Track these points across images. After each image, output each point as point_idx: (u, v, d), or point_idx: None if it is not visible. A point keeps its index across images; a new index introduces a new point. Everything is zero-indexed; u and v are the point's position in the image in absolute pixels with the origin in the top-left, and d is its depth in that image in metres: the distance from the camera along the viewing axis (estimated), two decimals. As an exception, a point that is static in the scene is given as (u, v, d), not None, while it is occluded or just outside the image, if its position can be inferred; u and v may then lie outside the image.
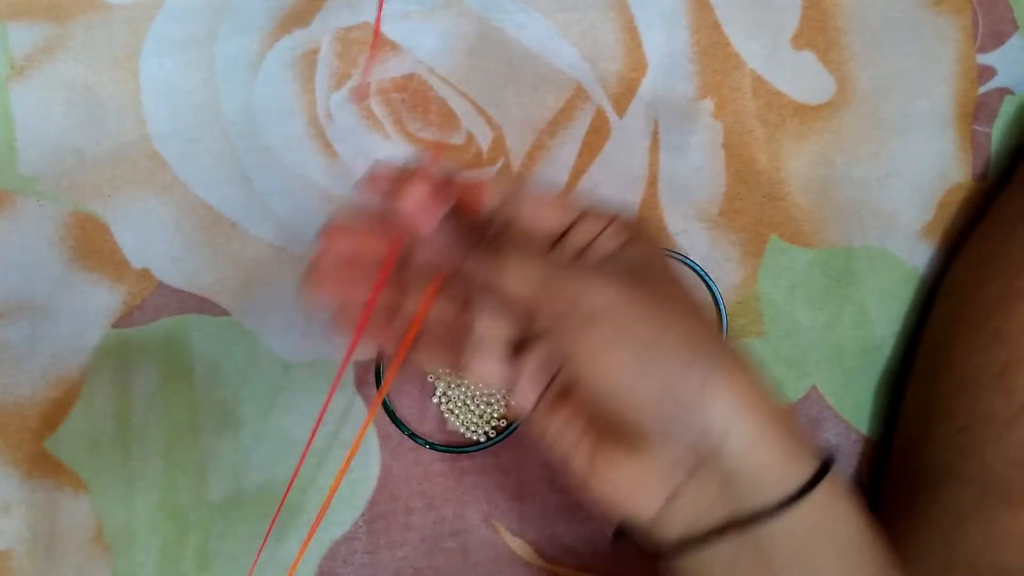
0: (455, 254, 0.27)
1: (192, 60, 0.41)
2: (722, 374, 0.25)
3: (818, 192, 0.42)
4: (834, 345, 0.42)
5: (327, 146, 0.41)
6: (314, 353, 0.40)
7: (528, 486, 0.41)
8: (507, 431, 0.40)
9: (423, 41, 0.41)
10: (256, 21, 0.41)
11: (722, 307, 0.41)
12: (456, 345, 0.30)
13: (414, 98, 0.41)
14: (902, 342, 0.42)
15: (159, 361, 0.40)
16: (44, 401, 0.39)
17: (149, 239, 0.40)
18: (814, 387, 0.41)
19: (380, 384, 0.40)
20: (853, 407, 0.42)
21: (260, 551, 0.39)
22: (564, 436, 0.28)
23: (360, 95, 0.30)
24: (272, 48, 0.41)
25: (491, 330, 0.29)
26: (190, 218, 0.40)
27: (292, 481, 0.39)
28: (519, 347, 0.30)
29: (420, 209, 0.27)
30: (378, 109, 0.41)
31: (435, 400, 0.40)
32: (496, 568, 0.40)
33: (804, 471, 0.26)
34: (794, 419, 0.27)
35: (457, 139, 0.41)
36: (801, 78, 0.42)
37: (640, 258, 0.27)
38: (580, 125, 0.42)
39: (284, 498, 0.39)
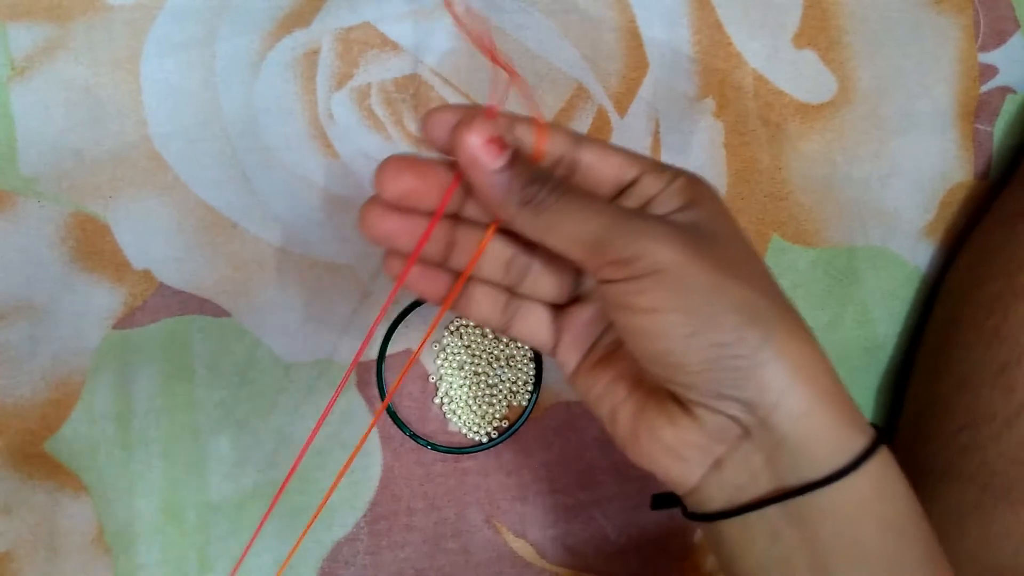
0: (512, 201, 0.26)
1: (193, 60, 0.41)
2: (777, 342, 0.24)
3: (820, 191, 0.42)
4: (836, 344, 0.42)
5: (328, 146, 0.41)
6: (314, 353, 0.40)
7: (530, 487, 0.41)
8: (509, 432, 0.40)
9: (425, 41, 0.41)
10: (256, 21, 0.41)
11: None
12: (498, 302, 0.29)
13: (415, 98, 0.41)
14: (904, 341, 0.42)
15: (160, 362, 0.40)
16: (44, 402, 0.39)
17: (150, 240, 0.40)
18: (816, 387, 0.41)
19: (381, 384, 0.39)
20: (855, 406, 0.42)
21: (245, 553, 0.38)
22: (607, 398, 0.28)
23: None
24: (273, 48, 0.41)
25: (538, 285, 0.29)
26: (191, 219, 0.40)
27: (287, 480, 0.39)
28: (564, 307, 0.29)
29: (484, 149, 0.25)
30: (379, 109, 0.41)
31: (437, 401, 0.40)
32: (498, 569, 0.40)
33: (855, 445, 0.25)
34: (846, 392, 0.26)
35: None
36: (802, 77, 0.42)
37: (703, 217, 0.26)
38: (581, 125, 0.42)
39: (276, 498, 0.39)
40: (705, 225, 0.26)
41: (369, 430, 0.40)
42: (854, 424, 0.25)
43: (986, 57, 0.43)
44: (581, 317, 0.29)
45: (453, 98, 0.41)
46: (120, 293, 0.40)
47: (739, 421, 0.25)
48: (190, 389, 0.40)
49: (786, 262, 0.42)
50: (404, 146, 0.41)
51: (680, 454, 0.26)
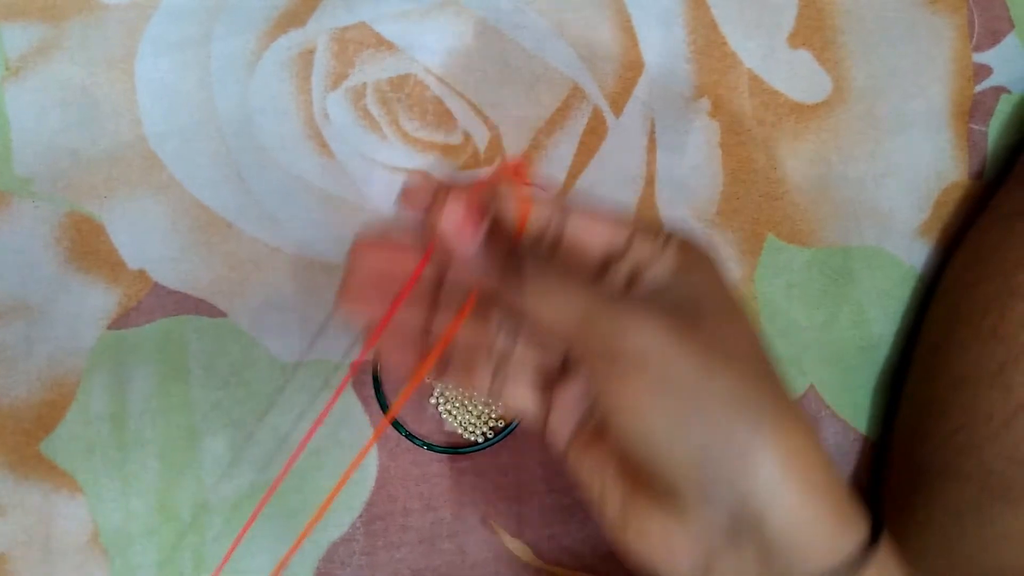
0: (493, 275, 0.25)
1: (188, 60, 0.41)
2: (767, 434, 0.23)
3: (815, 191, 0.42)
4: (832, 344, 0.42)
5: (323, 146, 0.41)
6: (310, 354, 0.40)
7: (526, 487, 0.40)
8: (505, 432, 0.39)
9: (420, 40, 0.41)
10: (252, 21, 0.41)
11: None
12: (488, 369, 0.28)
13: (411, 98, 0.41)
14: (900, 341, 0.42)
15: (155, 362, 0.40)
16: (39, 403, 0.39)
17: (145, 240, 0.40)
18: (811, 387, 0.41)
19: (378, 384, 0.39)
20: (851, 406, 0.42)
21: (229, 553, 0.38)
22: (597, 477, 0.26)
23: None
24: (268, 48, 0.41)
25: (525, 357, 0.28)
26: (186, 219, 0.40)
27: (279, 480, 0.39)
28: (554, 376, 0.28)
29: (459, 229, 0.25)
30: (374, 109, 0.41)
31: (433, 401, 0.40)
32: (494, 569, 0.40)
33: (852, 543, 0.23)
34: (843, 483, 0.24)
35: (454, 139, 0.41)
36: (797, 77, 0.42)
37: (695, 289, 0.25)
38: (577, 125, 0.42)
39: (267, 497, 0.39)
40: (696, 297, 0.25)
41: (369, 445, 0.40)
42: (849, 521, 0.24)
43: (980, 57, 0.43)
44: (571, 390, 0.28)
45: (449, 98, 0.41)
46: (115, 293, 0.40)
47: (729, 519, 0.23)
48: (186, 389, 0.40)
49: (781, 262, 0.42)
50: (400, 146, 0.41)
51: (672, 546, 0.25)
